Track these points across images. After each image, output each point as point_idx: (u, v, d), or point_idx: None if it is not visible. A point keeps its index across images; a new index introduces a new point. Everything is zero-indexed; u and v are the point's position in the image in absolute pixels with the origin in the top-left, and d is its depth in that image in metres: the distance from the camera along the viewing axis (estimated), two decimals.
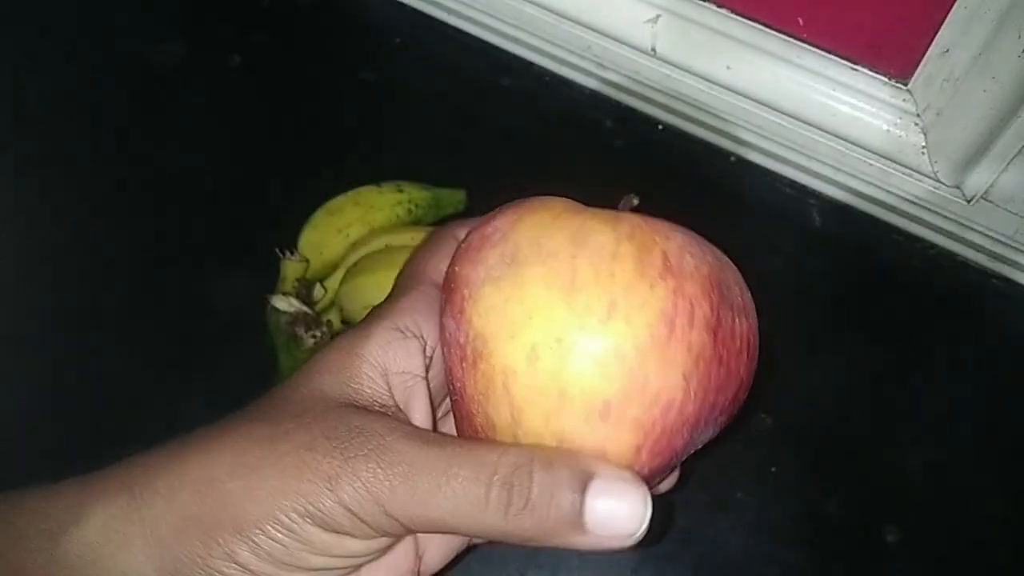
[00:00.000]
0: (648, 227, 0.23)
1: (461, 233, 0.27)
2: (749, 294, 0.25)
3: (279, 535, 0.21)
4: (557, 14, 0.50)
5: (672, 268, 0.22)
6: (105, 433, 0.43)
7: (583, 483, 0.21)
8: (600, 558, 0.41)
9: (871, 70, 0.47)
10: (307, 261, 0.42)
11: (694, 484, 0.42)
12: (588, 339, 0.21)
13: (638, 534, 0.21)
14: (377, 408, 0.23)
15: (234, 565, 0.21)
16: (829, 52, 0.47)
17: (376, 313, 0.26)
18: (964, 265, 0.49)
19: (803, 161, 0.49)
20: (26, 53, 0.54)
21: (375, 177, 0.46)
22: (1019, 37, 0.39)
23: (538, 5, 0.50)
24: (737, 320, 0.24)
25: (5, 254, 0.48)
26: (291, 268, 0.42)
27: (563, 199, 0.25)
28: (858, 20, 0.45)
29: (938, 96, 0.44)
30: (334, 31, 0.56)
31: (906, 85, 0.46)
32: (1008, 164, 0.42)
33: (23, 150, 0.51)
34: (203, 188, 0.50)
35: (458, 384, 0.24)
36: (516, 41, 0.54)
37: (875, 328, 0.47)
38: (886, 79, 0.46)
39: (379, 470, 0.20)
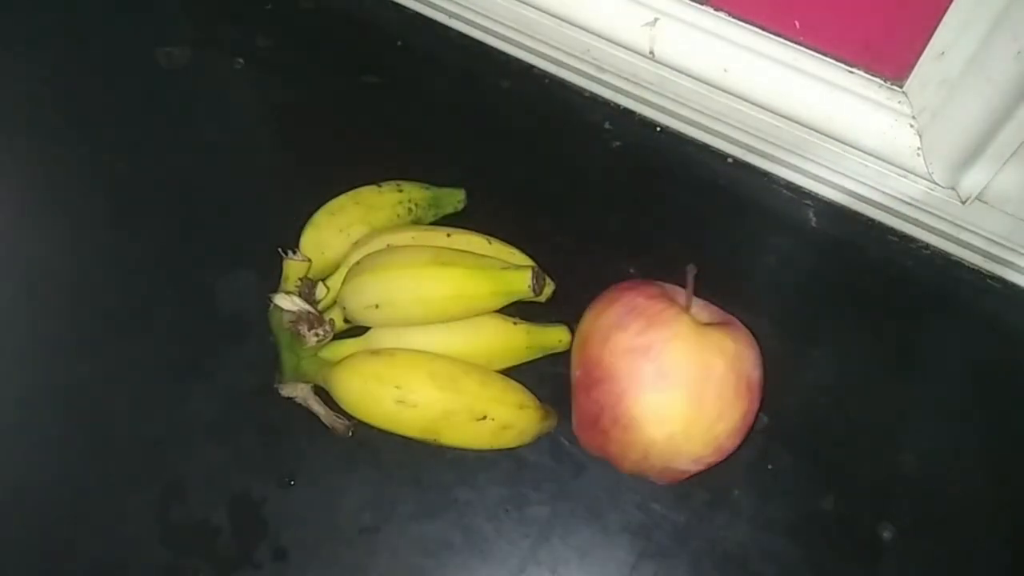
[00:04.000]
0: (739, 354, 0.37)
1: None
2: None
3: None
4: (557, 17, 0.51)
5: (750, 386, 0.37)
6: (107, 432, 0.43)
7: None
8: (600, 554, 0.41)
9: (867, 72, 0.47)
10: (309, 260, 0.43)
11: (692, 482, 0.42)
12: (702, 432, 0.36)
13: None
14: None
15: None
16: (825, 55, 0.47)
17: None
18: (959, 265, 0.49)
19: (799, 163, 0.50)
20: (31, 54, 0.55)
21: (376, 177, 0.46)
22: (1014, 39, 0.39)
23: (538, 9, 0.51)
24: (761, 393, 0.38)
25: (6, 254, 0.48)
26: (293, 267, 0.42)
27: (683, 316, 0.37)
28: (854, 23, 0.45)
29: (933, 98, 0.45)
30: (336, 34, 0.56)
31: (902, 87, 0.46)
32: (1003, 165, 0.42)
33: (27, 150, 0.52)
34: (206, 188, 0.50)
35: (604, 426, 0.37)
36: (516, 44, 0.54)
37: (870, 328, 0.47)
38: (882, 81, 0.47)
39: None
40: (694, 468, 0.38)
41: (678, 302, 0.38)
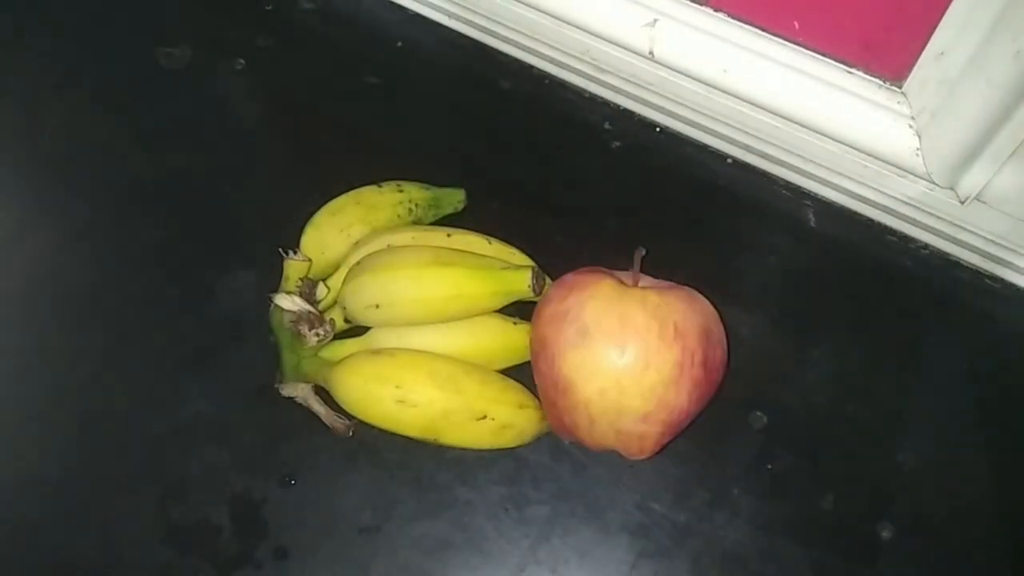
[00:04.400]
0: (664, 303, 0.37)
1: None
2: (721, 325, 0.38)
3: None
4: (556, 18, 0.51)
5: (680, 331, 0.36)
6: (109, 431, 0.43)
7: None
8: (599, 554, 0.41)
9: (866, 73, 0.47)
10: (310, 260, 0.43)
11: (691, 481, 0.43)
12: (634, 383, 0.36)
13: None
14: None
15: None
16: (824, 55, 0.47)
17: None
18: (958, 265, 0.49)
19: (798, 163, 0.50)
20: (34, 54, 0.55)
21: (376, 178, 0.46)
22: (1013, 40, 0.39)
23: (538, 9, 0.51)
24: (716, 350, 0.38)
25: (8, 253, 0.48)
26: (294, 267, 0.42)
27: (607, 279, 0.38)
28: (853, 23, 0.45)
29: (933, 99, 0.45)
30: (337, 35, 0.56)
31: (901, 88, 0.47)
32: (1002, 166, 0.43)
33: (28, 150, 0.52)
34: (207, 189, 0.50)
35: (550, 395, 0.38)
36: (516, 44, 0.54)
37: (869, 327, 0.47)
38: (881, 82, 0.47)
39: None
40: (650, 430, 0.37)
41: (619, 278, 0.38)
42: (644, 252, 0.39)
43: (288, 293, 0.42)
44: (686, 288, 0.39)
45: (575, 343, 0.36)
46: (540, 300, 0.40)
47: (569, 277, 0.39)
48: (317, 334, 0.41)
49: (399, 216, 0.45)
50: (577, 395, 0.37)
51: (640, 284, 0.39)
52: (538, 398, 0.41)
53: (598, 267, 0.40)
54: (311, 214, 0.45)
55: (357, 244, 0.44)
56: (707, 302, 0.39)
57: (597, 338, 0.36)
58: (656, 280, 0.40)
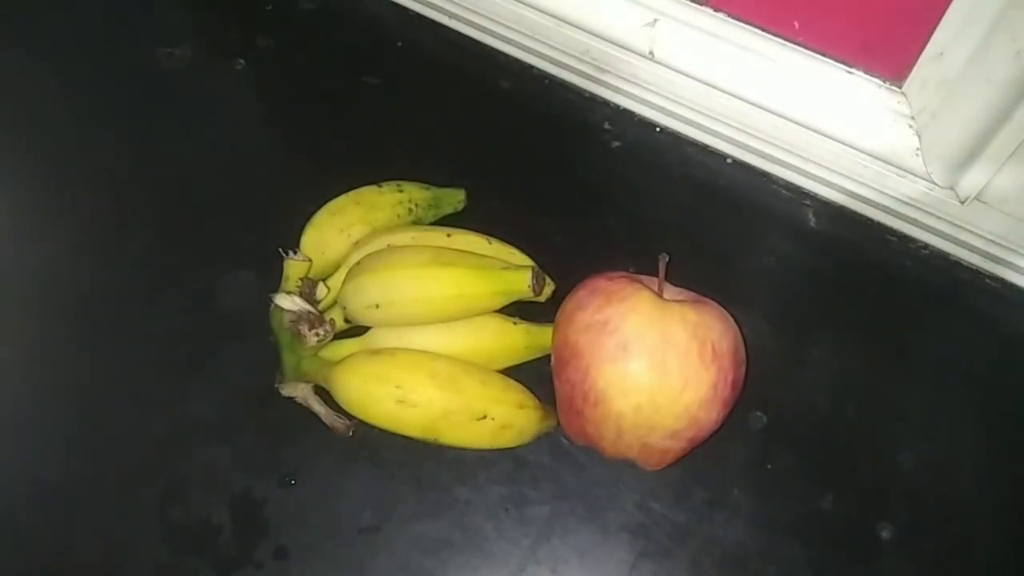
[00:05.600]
0: (702, 322, 0.37)
1: None
2: (742, 340, 0.38)
3: None
4: (556, 18, 0.51)
5: (717, 353, 0.36)
6: (109, 431, 0.43)
7: None
8: (599, 554, 0.41)
9: (866, 73, 0.47)
10: (310, 260, 0.43)
11: (691, 481, 0.43)
12: (670, 402, 0.36)
13: None
14: None
15: None
16: (824, 55, 0.47)
17: None
18: (958, 265, 0.49)
19: (798, 163, 0.50)
20: (32, 55, 0.55)
21: (376, 177, 0.46)
22: (1012, 40, 0.39)
23: (538, 9, 0.51)
24: (741, 369, 0.38)
25: (10, 253, 0.48)
26: (294, 267, 0.42)
27: (645, 291, 0.37)
28: (853, 23, 0.45)
29: (932, 98, 0.45)
30: (337, 35, 0.56)
31: (901, 87, 0.47)
32: (1002, 165, 0.43)
33: (30, 150, 0.52)
34: (208, 189, 0.50)
35: (576, 404, 0.38)
36: (516, 44, 0.54)
37: (869, 328, 0.47)
38: (881, 82, 0.47)
39: None
40: (675, 445, 0.38)
41: (649, 287, 0.38)
42: (668, 258, 0.38)
43: (288, 293, 0.42)
44: (713, 303, 0.39)
45: (614, 357, 0.36)
46: (569, 303, 0.39)
47: (602, 283, 0.38)
48: (317, 334, 0.41)
49: (399, 216, 0.45)
50: (609, 408, 0.36)
51: (666, 293, 0.39)
52: (538, 398, 0.41)
53: (623, 272, 0.40)
54: (311, 214, 0.45)
55: (357, 244, 0.44)
56: (732, 319, 0.38)
57: (638, 354, 0.36)
58: (681, 290, 0.40)
